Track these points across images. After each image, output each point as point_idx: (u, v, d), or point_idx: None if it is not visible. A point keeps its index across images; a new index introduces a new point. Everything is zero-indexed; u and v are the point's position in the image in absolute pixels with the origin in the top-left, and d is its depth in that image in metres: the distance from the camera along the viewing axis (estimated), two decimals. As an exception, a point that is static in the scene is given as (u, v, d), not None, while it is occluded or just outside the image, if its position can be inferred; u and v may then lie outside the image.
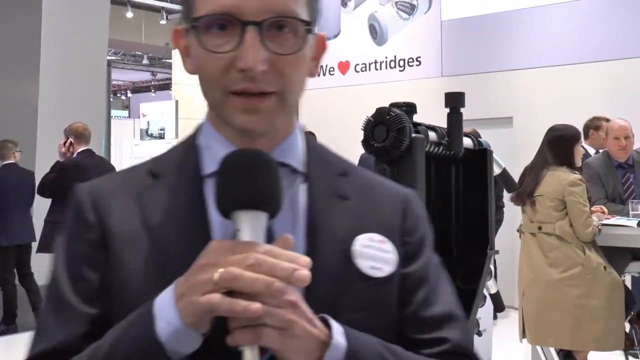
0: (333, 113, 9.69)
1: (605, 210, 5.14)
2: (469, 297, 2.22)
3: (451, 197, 2.31)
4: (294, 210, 0.99)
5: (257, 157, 0.89)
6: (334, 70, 10.23)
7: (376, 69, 9.84)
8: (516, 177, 4.91)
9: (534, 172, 4.82)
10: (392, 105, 2.04)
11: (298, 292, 0.85)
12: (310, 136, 1.09)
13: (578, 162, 4.90)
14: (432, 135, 2.11)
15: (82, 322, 0.95)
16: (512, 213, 6.24)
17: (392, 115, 1.95)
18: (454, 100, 2.13)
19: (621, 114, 6.02)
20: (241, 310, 0.79)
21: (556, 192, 4.67)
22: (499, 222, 6.32)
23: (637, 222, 4.97)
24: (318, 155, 1.06)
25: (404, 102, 2.08)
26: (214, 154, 1.00)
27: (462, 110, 2.09)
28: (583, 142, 6.32)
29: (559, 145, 4.77)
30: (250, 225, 0.85)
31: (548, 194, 4.70)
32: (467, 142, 2.26)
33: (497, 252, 2.17)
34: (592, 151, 6.50)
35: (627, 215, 5.20)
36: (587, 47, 7.93)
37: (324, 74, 10.20)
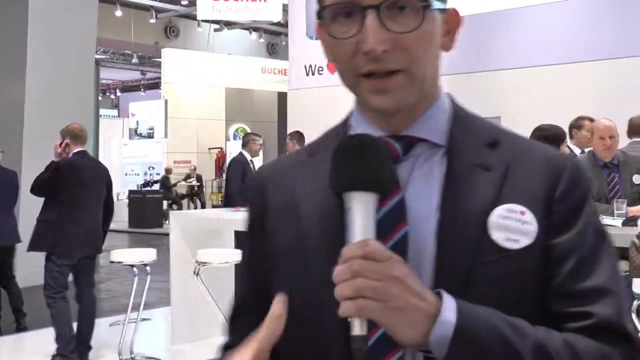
0: (322, 112, 9.69)
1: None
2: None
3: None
4: (430, 184, 1.01)
5: (364, 141, 0.94)
6: (322, 70, 10.23)
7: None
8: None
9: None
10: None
11: (406, 266, 0.89)
12: (461, 107, 1.10)
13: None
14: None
15: (250, 283, 1.12)
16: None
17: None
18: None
19: (606, 113, 6.06)
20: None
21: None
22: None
23: (621, 221, 5.00)
24: (464, 127, 1.06)
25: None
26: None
27: None
28: (568, 142, 6.37)
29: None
30: (357, 205, 0.90)
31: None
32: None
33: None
34: (577, 151, 6.54)
35: (612, 214, 5.22)
36: (575, 47, 7.97)
37: (313, 74, 10.21)
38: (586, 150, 6.29)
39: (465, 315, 0.89)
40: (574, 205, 1.00)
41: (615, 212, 5.19)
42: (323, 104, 9.80)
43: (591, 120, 6.58)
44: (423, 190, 1.00)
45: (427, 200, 0.99)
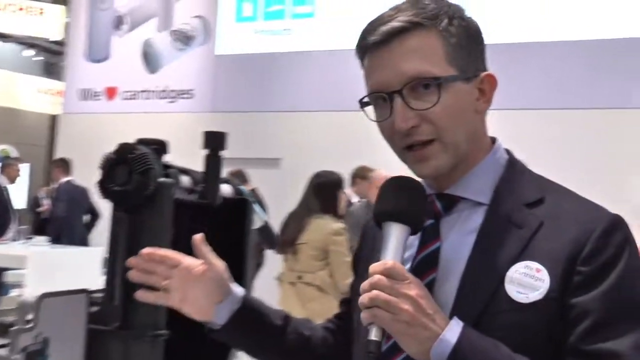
0: (95, 140, 9.05)
1: (365, 260, 5.13)
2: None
3: (203, 252, 2.00)
4: (465, 237, 1.14)
5: (403, 182, 1.14)
6: (99, 95, 9.61)
7: (146, 98, 9.39)
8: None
9: (297, 219, 4.68)
10: (140, 141, 1.70)
11: (423, 290, 1.04)
12: (518, 164, 1.21)
13: (342, 210, 4.84)
14: (184, 179, 1.80)
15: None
16: (272, 260, 6.06)
17: (136, 153, 1.61)
18: (214, 141, 1.83)
19: (383, 163, 6.13)
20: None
21: (319, 241, 4.56)
22: (259, 265, 6.14)
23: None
24: (509, 186, 1.16)
25: (154, 139, 1.75)
26: None
27: (230, 148, 1.83)
28: (347, 189, 6.39)
29: (323, 192, 4.68)
30: (389, 232, 1.08)
31: (311, 243, 4.58)
32: (225, 189, 1.97)
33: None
34: (355, 199, 6.57)
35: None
36: (357, 94, 8.10)
37: (89, 98, 9.57)
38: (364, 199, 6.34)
39: (467, 339, 1.02)
40: (600, 266, 1.06)
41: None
42: (98, 131, 9.17)
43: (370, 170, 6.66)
44: (459, 242, 1.14)
45: (460, 252, 1.13)
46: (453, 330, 1.02)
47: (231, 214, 1.94)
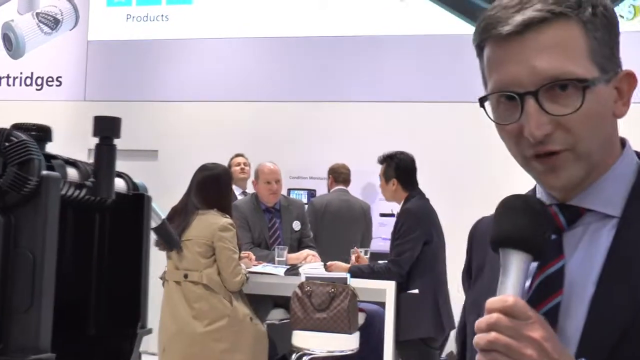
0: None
1: (253, 257, 4.94)
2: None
3: (92, 257, 1.73)
4: (593, 255, 1.00)
5: (526, 203, 1.00)
6: None
7: (8, 85, 8.75)
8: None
9: (182, 214, 4.42)
10: (16, 126, 1.43)
11: (549, 329, 0.90)
12: None
13: (229, 204, 4.63)
14: (72, 173, 1.52)
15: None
16: (156, 258, 5.75)
17: (13, 141, 1.34)
18: (107, 128, 1.56)
19: (262, 154, 5.97)
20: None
21: (205, 237, 4.33)
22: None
23: (284, 270, 4.83)
24: None
25: (34, 124, 1.47)
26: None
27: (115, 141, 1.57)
28: None
29: (210, 185, 4.45)
30: (509, 261, 0.95)
31: (196, 239, 4.34)
32: (119, 184, 1.71)
33: (150, 331, 1.67)
34: (237, 191, 6.36)
35: (272, 260, 5.07)
36: (237, 84, 7.89)
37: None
38: (248, 192, 6.14)
39: None
40: None
41: (276, 258, 5.05)
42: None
43: (241, 156, 6.49)
44: (586, 260, 1.00)
45: (588, 271, 0.99)
46: None
47: (127, 211, 1.69)
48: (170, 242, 1.98)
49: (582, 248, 1.01)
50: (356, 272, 4.65)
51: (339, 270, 4.71)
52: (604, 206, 1.02)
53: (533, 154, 0.99)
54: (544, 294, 0.99)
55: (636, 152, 1.09)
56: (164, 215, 1.92)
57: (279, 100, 7.80)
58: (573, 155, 0.98)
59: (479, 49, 1.05)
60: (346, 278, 4.53)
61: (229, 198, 4.65)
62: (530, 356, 0.87)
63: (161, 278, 4.58)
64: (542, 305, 0.98)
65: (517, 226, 0.96)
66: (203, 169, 4.58)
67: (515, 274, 0.94)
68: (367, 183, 7.20)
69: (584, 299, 0.97)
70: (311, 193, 7.31)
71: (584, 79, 0.97)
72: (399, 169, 4.65)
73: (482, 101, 1.04)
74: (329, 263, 4.89)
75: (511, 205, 0.99)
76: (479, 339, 0.89)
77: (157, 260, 5.07)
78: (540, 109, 0.96)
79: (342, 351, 4.50)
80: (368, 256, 5.23)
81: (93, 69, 8.47)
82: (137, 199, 1.75)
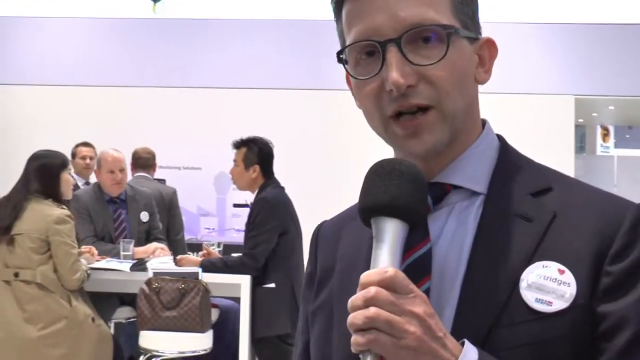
0: None
1: (95, 251, 4.54)
2: None
3: None
4: (462, 236, 0.94)
5: (395, 165, 0.90)
6: None
7: None
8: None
9: (12, 204, 3.96)
10: None
11: (431, 308, 0.83)
12: (512, 149, 1.03)
13: (68, 194, 4.20)
14: None
15: (300, 346, 1.10)
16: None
17: None
18: None
19: (109, 141, 5.54)
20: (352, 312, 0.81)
21: (39, 231, 3.91)
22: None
23: (130, 265, 4.47)
24: (509, 171, 0.99)
25: None
26: None
27: None
28: (73, 172, 5.75)
29: (44, 174, 4.02)
30: (382, 231, 0.86)
31: (29, 233, 3.90)
32: None
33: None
34: (81, 182, 5.90)
35: (117, 255, 4.70)
36: (77, 68, 7.39)
37: None
38: (91, 182, 5.69)
39: None
40: (634, 264, 0.89)
41: (122, 252, 4.70)
42: None
43: (87, 145, 6.05)
44: (454, 242, 0.94)
45: (458, 253, 0.93)
46: (469, 357, 0.83)
47: None
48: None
49: (449, 229, 0.95)
50: (208, 266, 4.36)
51: (190, 264, 4.41)
52: (469, 182, 0.97)
53: (395, 110, 0.93)
54: (411, 280, 0.86)
55: (497, 135, 1.05)
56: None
57: (128, 86, 7.38)
58: (438, 115, 0.93)
59: (338, 8, 0.99)
60: (197, 273, 4.24)
61: (67, 188, 4.23)
62: (414, 333, 0.80)
63: (-12, 277, 4.10)
64: None
65: (390, 192, 0.87)
66: (38, 156, 4.15)
67: (391, 244, 0.85)
68: (219, 172, 6.95)
69: (456, 280, 0.92)
70: (161, 182, 6.95)
71: (449, 25, 0.93)
72: (262, 154, 4.39)
73: (340, 57, 0.98)
74: (179, 257, 4.58)
75: (382, 170, 0.90)
76: (355, 318, 0.80)
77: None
78: (403, 57, 0.91)
79: (194, 352, 4.19)
80: (221, 249, 4.96)
81: None
82: None
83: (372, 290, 0.80)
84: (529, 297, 0.88)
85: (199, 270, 4.28)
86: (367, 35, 0.93)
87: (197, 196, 7.27)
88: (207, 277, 4.28)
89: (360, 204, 0.90)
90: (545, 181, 0.98)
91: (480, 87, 1.02)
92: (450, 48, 0.92)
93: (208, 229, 7.18)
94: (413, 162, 0.91)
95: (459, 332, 0.87)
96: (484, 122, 1.04)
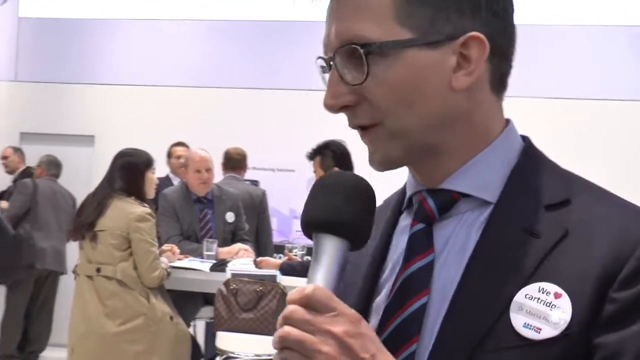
0: None
1: (177, 250, 4.57)
2: None
3: None
4: (465, 249, 0.87)
5: (340, 179, 0.86)
6: None
7: None
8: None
9: (96, 201, 4.03)
10: None
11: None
12: (537, 154, 0.93)
13: (150, 193, 4.25)
14: None
15: None
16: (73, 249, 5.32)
17: None
18: None
19: (203, 141, 5.59)
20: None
21: (120, 228, 3.97)
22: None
23: (209, 266, 4.48)
24: (524, 181, 0.89)
25: None
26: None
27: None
28: (169, 171, 5.88)
29: (128, 172, 4.09)
30: (319, 248, 0.82)
31: (111, 230, 3.96)
32: None
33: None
34: (176, 180, 5.99)
35: (200, 254, 4.72)
36: (173, 68, 7.50)
37: None
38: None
39: None
40: None
41: (205, 252, 4.70)
42: None
43: (182, 145, 6.15)
44: (458, 255, 0.88)
45: (457, 268, 0.86)
46: None
47: None
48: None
49: (456, 240, 0.88)
50: (287, 269, 4.31)
51: (270, 267, 4.37)
52: (479, 190, 0.89)
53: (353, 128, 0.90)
54: (407, 293, 0.85)
55: (522, 137, 0.94)
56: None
57: (222, 87, 7.46)
58: (384, 131, 0.87)
59: None
60: (275, 276, 4.19)
61: (149, 186, 4.28)
62: (326, 354, 0.75)
63: (73, 272, 4.20)
64: (406, 307, 0.86)
65: (330, 208, 0.82)
66: (124, 154, 4.23)
67: (326, 262, 0.81)
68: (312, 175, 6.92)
69: (446, 299, 0.85)
70: (254, 184, 6.98)
71: (368, 42, 0.84)
72: (337, 156, 4.36)
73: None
74: (259, 259, 4.56)
75: (327, 182, 0.86)
76: (274, 336, 0.77)
77: (74, 252, 4.71)
78: (338, 76, 0.86)
79: (270, 355, 4.15)
80: (304, 252, 4.90)
81: (25, 47, 8.00)
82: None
83: (290, 308, 0.76)
84: (518, 321, 0.81)
85: (277, 273, 4.24)
86: (323, 49, 0.90)
87: (290, 198, 7.24)
88: (287, 281, 4.23)
89: (303, 219, 0.86)
90: (565, 192, 0.88)
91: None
92: (371, 65, 0.84)
93: (299, 231, 7.13)
94: (357, 175, 0.87)
95: (439, 353, 0.83)
96: (507, 123, 0.94)
